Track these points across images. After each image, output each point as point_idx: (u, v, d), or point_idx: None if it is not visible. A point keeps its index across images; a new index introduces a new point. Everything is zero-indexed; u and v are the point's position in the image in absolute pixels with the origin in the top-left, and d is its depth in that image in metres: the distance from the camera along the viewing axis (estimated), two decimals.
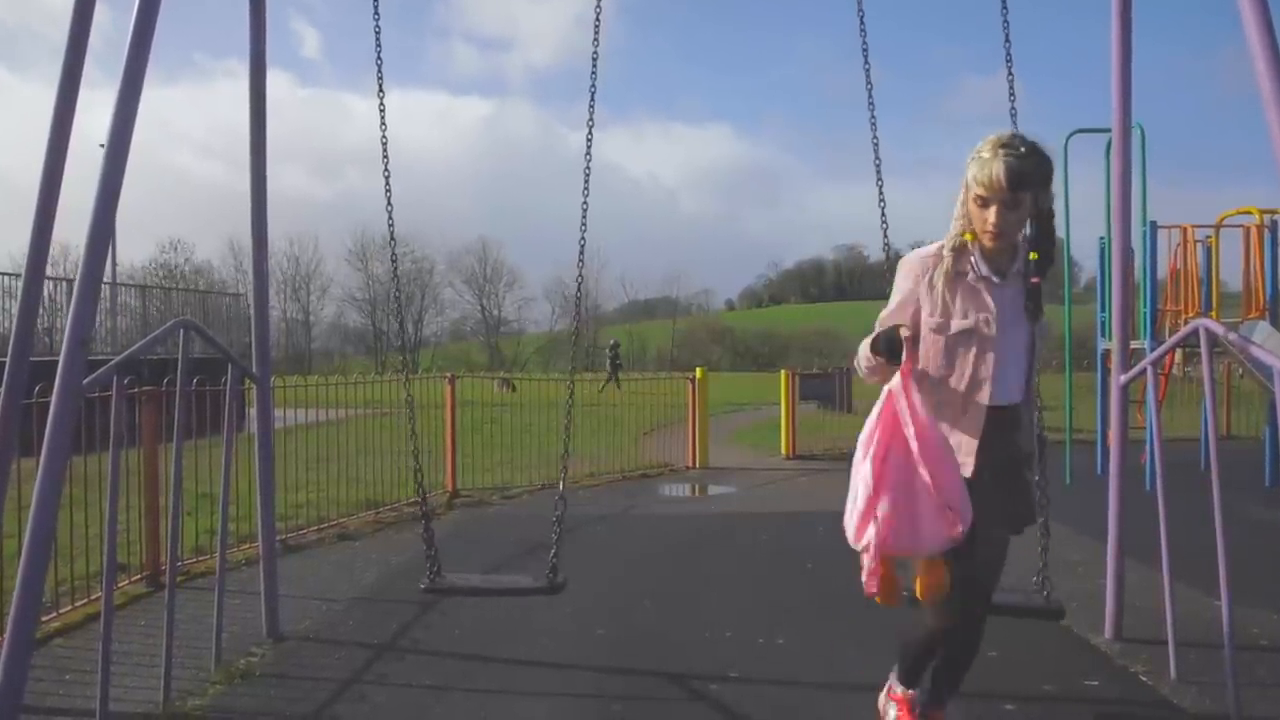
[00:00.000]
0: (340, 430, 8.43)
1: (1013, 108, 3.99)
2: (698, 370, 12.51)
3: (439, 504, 8.66)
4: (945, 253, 2.77)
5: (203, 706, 3.72)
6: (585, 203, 3.95)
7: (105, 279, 20.87)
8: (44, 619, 4.65)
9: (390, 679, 4.08)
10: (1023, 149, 2.62)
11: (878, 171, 4.10)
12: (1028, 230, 2.77)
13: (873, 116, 4.12)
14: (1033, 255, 2.75)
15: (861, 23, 4.17)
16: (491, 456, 10.44)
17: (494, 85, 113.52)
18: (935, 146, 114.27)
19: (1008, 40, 4.08)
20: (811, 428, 13.70)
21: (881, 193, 4.06)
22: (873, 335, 2.80)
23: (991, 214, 2.64)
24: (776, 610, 5.11)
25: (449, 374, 9.85)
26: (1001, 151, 2.61)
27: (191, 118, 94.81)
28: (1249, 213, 9.98)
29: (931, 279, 2.78)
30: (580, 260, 3.95)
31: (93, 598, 4.97)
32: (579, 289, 4.10)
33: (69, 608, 4.87)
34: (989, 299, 2.76)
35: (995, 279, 2.76)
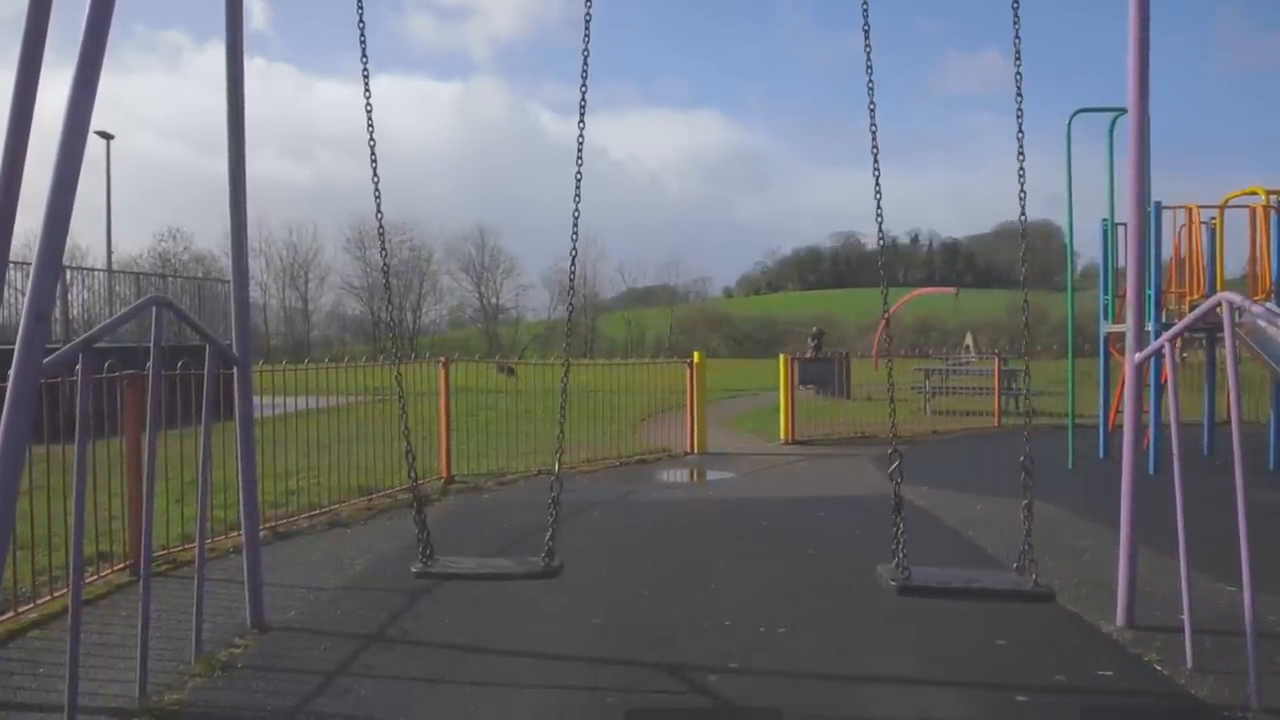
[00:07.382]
0: (334, 416, 8.28)
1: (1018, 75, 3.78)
2: (695, 354, 12.34)
3: (434, 490, 8.52)
4: None
5: (180, 700, 3.58)
6: (579, 173, 3.79)
7: (100, 268, 20.69)
8: (21, 610, 4.52)
9: (378, 670, 3.94)
10: None
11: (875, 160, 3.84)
12: None
13: (872, 114, 3.84)
14: None
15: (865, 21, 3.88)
16: (488, 443, 10.29)
17: (461, 63, 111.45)
18: (922, 125, 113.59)
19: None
20: (811, 413, 13.57)
21: (878, 181, 3.82)
22: None
23: None
24: (777, 597, 4.97)
25: (442, 358, 9.64)
26: None
27: (161, 102, 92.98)
28: (1255, 193, 9.81)
29: None
30: (574, 233, 3.79)
31: None
32: (572, 260, 3.93)
33: (48, 598, 4.72)
34: None
35: None
